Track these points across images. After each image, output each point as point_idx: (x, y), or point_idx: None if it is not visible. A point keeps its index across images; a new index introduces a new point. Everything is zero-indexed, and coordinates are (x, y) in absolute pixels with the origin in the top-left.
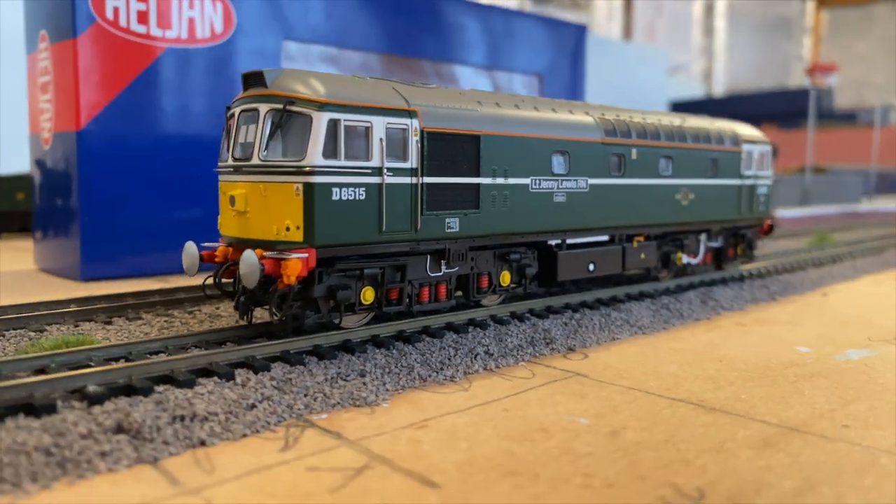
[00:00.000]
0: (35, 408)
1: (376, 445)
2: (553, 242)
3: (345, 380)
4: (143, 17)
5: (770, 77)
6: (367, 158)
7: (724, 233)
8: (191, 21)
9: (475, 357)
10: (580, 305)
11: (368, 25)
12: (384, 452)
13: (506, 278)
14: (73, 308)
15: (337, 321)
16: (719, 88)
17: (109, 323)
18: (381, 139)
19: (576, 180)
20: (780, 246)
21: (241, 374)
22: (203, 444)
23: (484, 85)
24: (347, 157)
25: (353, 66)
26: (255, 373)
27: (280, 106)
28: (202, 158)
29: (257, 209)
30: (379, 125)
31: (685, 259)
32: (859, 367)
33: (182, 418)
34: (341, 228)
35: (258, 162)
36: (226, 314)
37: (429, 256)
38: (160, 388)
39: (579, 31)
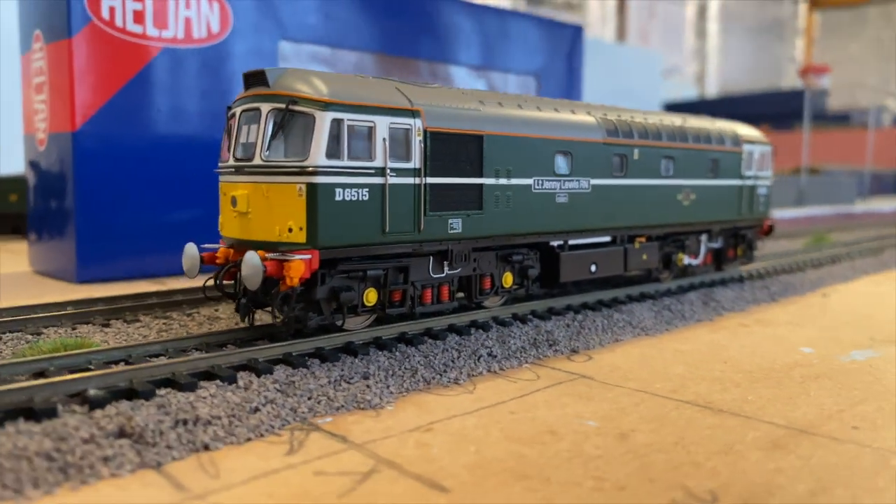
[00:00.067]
0: (35, 412)
1: (383, 449)
2: (555, 243)
3: (348, 382)
4: (139, 17)
5: (763, 79)
6: (371, 158)
7: (724, 233)
8: (187, 21)
9: (479, 359)
10: (582, 307)
11: (364, 26)
12: (392, 456)
13: (508, 280)
14: (70, 311)
15: (339, 323)
16: (712, 90)
17: (107, 325)
18: (384, 139)
19: (578, 181)
20: (778, 247)
21: (243, 377)
22: (207, 448)
23: (480, 85)
24: (350, 158)
25: (348, 67)
26: (258, 376)
27: (283, 105)
28: (199, 159)
29: (259, 210)
30: (382, 125)
31: (686, 260)
32: (864, 368)
33: (185, 422)
34: (344, 229)
35: (260, 162)
36: (224, 316)
37: (431, 258)
38: (162, 392)
39: (576, 32)
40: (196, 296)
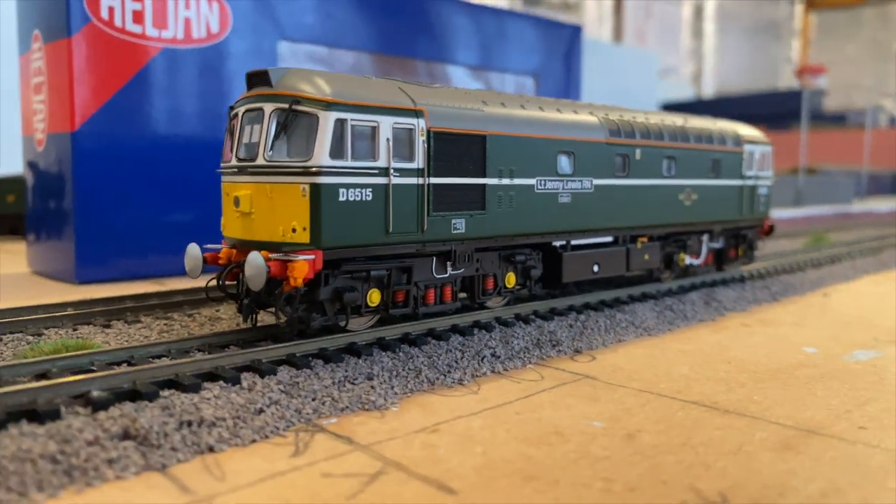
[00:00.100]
0: (39, 414)
1: (390, 450)
2: (558, 244)
3: (352, 383)
4: (138, 17)
5: (759, 79)
6: (374, 159)
7: (725, 233)
8: (187, 21)
9: (482, 360)
10: (584, 307)
11: (361, 26)
12: (398, 458)
13: (511, 280)
14: (70, 311)
15: (343, 324)
16: (709, 90)
17: (108, 326)
18: (387, 139)
19: (581, 181)
20: (778, 247)
21: (246, 379)
22: (212, 450)
23: (478, 86)
24: (354, 158)
25: (345, 67)
26: (262, 377)
27: (286, 105)
28: (198, 159)
29: (262, 210)
30: (385, 125)
31: (688, 260)
32: (868, 368)
33: (189, 424)
34: (348, 230)
35: (263, 162)
36: (226, 317)
37: (435, 258)
38: (165, 393)
39: (575, 32)
40: (197, 296)
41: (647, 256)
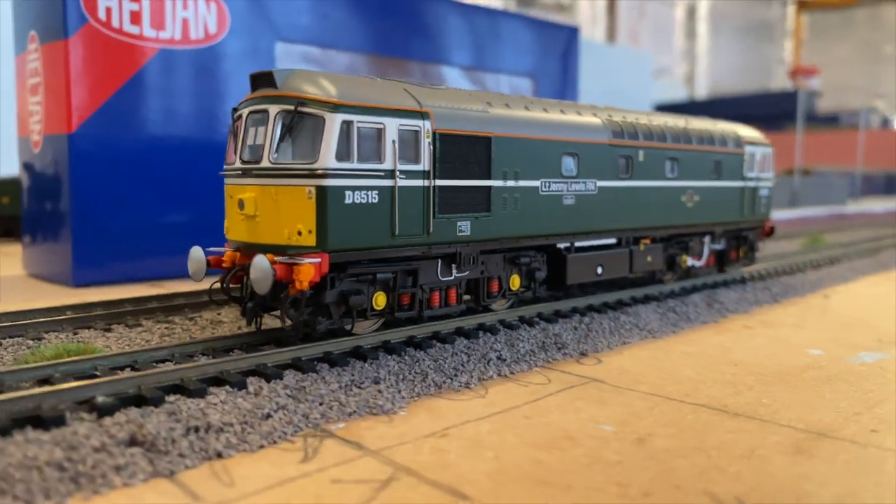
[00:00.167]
0: (43, 420)
1: (399, 455)
2: (562, 245)
3: (359, 387)
4: (135, 18)
5: (752, 80)
6: (380, 161)
7: (726, 235)
8: (184, 21)
9: (488, 363)
10: (588, 309)
11: (356, 27)
12: (409, 463)
13: (515, 282)
14: (70, 315)
15: (349, 327)
16: (702, 91)
17: (109, 330)
18: (393, 141)
19: (585, 182)
20: (776, 248)
21: (253, 383)
22: (220, 456)
23: (478, 87)
24: (360, 160)
25: (340, 68)
26: (268, 381)
27: (291, 107)
28: (196, 160)
29: (267, 213)
30: (391, 127)
31: (690, 261)
32: (875, 370)
33: (196, 429)
34: (354, 232)
35: (268, 164)
36: (227, 320)
37: (440, 260)
38: (171, 398)
39: (571, 33)
40: (197, 299)
41: (649, 258)
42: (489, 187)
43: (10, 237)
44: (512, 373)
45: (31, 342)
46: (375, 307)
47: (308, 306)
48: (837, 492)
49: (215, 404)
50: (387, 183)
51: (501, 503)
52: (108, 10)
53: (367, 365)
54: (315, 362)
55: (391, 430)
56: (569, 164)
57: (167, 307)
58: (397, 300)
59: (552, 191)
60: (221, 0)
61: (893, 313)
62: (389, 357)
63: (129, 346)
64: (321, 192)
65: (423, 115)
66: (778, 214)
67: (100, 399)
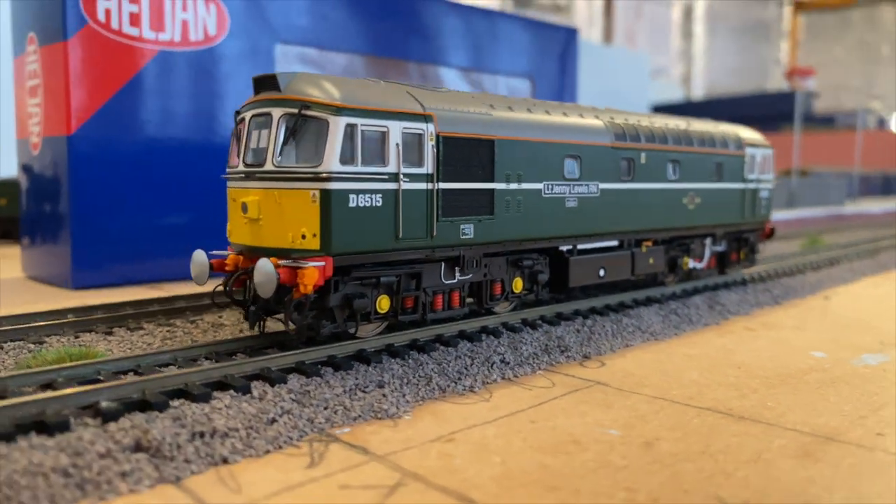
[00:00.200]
0: (48, 426)
1: (406, 461)
2: (564, 248)
3: (364, 391)
4: (135, 20)
5: (748, 80)
6: (384, 164)
7: (727, 237)
8: (184, 23)
9: (492, 366)
10: (590, 312)
11: (354, 27)
12: (416, 468)
13: (518, 285)
14: (71, 318)
15: (353, 331)
16: (698, 92)
17: (110, 333)
18: (397, 144)
19: (587, 185)
20: (775, 249)
21: (257, 387)
22: (226, 461)
23: (475, 88)
24: (364, 163)
25: (337, 69)
26: (272, 385)
27: (295, 110)
28: (196, 162)
29: (271, 216)
30: (395, 130)
31: (691, 264)
32: (878, 372)
33: (202, 434)
34: (358, 236)
35: (272, 168)
36: (228, 323)
37: (443, 263)
38: (175, 403)
39: (570, 34)
40: (198, 302)
41: (651, 260)
42: (492, 190)
43: (7, 239)
44: (515, 376)
45: (32, 346)
46: (379, 310)
47: (312, 310)
48: (845, 496)
49: (220, 409)
50: (390, 186)
51: None
52: (108, 12)
53: (371, 369)
54: (319, 366)
55: (397, 435)
56: (571, 166)
57: (168, 310)
58: (401, 303)
59: (555, 193)
60: (221, 2)
61: (894, 314)
62: (393, 360)
63: (130, 349)
64: (325, 195)
65: (426, 118)
66: (776, 215)
67: (104, 404)
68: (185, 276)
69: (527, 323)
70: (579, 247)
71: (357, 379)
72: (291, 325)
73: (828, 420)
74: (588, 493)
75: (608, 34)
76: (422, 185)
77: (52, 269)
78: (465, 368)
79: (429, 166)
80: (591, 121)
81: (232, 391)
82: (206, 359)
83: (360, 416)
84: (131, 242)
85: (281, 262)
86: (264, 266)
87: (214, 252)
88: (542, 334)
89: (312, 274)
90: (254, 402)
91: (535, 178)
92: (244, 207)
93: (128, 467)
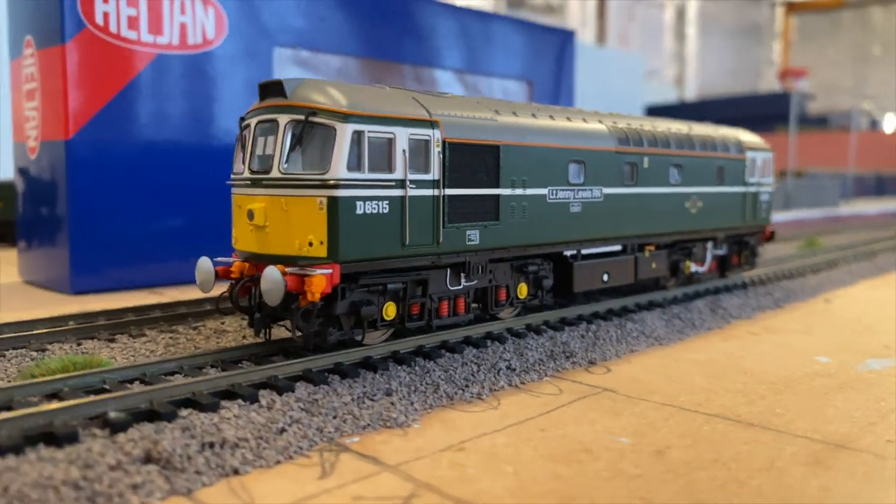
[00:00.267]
0: (56, 437)
1: (418, 471)
2: (569, 253)
3: (372, 399)
4: (133, 23)
5: (741, 82)
6: (391, 171)
7: (728, 240)
8: (182, 26)
9: (498, 372)
10: (593, 316)
11: (349, 30)
12: (428, 479)
13: (523, 290)
14: (72, 325)
15: (360, 338)
16: (691, 93)
17: (113, 340)
18: (404, 150)
19: (591, 190)
20: (774, 251)
21: (265, 396)
22: (237, 472)
23: (470, 90)
24: (371, 170)
25: (332, 71)
26: (280, 394)
27: (302, 117)
28: (194, 166)
29: (277, 224)
30: (402, 136)
31: (693, 267)
32: (884, 377)
33: (212, 445)
34: (365, 243)
35: (279, 175)
36: (231, 329)
37: (449, 270)
38: (184, 413)
39: (566, 37)
40: (200, 308)
41: (654, 265)
42: (498, 196)
43: (3, 242)
44: (522, 383)
45: (34, 354)
46: (386, 317)
47: (319, 317)
48: None
49: (229, 419)
50: (397, 193)
51: None
52: (106, 15)
53: (377, 376)
54: (326, 374)
55: (407, 444)
56: (575, 171)
57: (170, 316)
58: (407, 310)
59: (559, 198)
60: (219, 5)
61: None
62: (399, 368)
63: (134, 356)
64: (333, 202)
65: (432, 125)
66: (773, 217)
67: (112, 414)
68: (184, 280)
69: (531, 328)
70: (583, 252)
71: (364, 387)
72: (298, 333)
73: (837, 427)
74: (603, 502)
75: (601, 36)
76: (428, 192)
77: (49, 273)
78: (472, 375)
79: (435, 172)
80: (594, 125)
81: (240, 400)
82: (212, 367)
83: (369, 424)
84: (129, 246)
85: (288, 269)
86: (272, 274)
87: (220, 259)
88: (546, 340)
89: (320, 281)
90: (262, 412)
91: (540, 183)
92: (250, 214)
93: (139, 479)
